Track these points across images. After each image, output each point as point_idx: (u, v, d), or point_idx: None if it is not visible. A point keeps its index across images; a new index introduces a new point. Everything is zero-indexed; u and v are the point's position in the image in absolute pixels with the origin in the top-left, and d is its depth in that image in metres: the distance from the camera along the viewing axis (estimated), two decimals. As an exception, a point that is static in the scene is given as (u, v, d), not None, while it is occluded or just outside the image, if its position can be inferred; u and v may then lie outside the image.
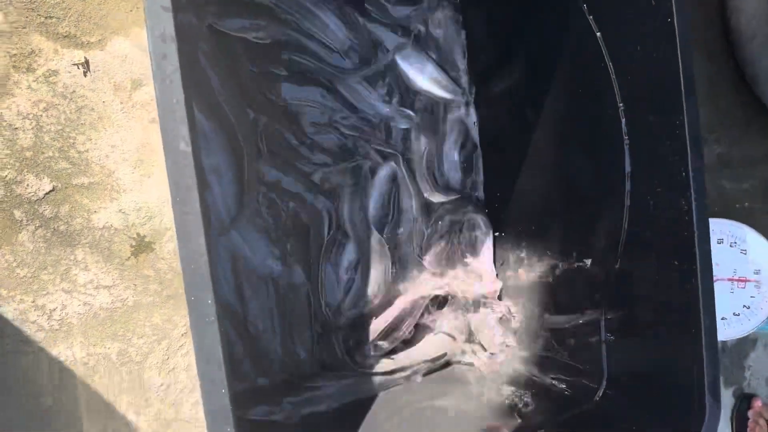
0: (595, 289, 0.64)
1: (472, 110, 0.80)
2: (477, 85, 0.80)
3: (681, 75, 0.52)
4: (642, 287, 0.60)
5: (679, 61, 0.52)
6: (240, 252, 0.66)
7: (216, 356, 0.39)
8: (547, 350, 0.72)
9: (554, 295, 0.71)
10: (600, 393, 0.64)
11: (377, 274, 0.75)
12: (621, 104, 0.58)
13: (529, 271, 0.74)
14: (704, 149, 0.99)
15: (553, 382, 0.69)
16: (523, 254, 0.76)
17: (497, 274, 0.81)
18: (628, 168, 0.59)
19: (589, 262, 0.65)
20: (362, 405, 0.69)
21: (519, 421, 0.65)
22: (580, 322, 0.67)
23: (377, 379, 0.71)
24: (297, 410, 0.66)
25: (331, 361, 0.70)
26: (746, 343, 1.03)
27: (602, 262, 0.63)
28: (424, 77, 0.75)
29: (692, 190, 0.53)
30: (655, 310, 0.58)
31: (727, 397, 1.02)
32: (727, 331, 0.86)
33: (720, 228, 0.87)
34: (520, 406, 0.67)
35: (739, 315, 0.87)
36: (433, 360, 0.76)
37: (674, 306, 0.56)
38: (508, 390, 0.70)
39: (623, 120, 0.58)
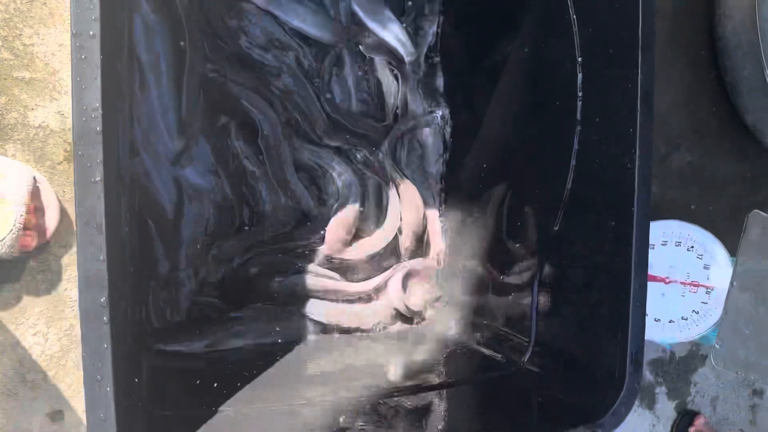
0: (532, 253, 0.62)
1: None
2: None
3: (640, 27, 0.50)
4: (577, 250, 0.58)
5: (640, 13, 0.50)
6: (185, 160, 0.64)
7: (97, 218, 0.37)
8: (478, 314, 0.69)
9: (492, 258, 0.69)
10: (526, 357, 0.62)
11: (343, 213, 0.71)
12: (579, 58, 0.56)
13: (470, 234, 0.72)
14: (675, 155, 0.97)
15: (480, 344, 0.67)
16: (466, 216, 0.73)
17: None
18: (578, 126, 0.57)
19: (530, 224, 0.63)
20: (284, 349, 0.67)
21: (439, 378, 0.63)
22: (515, 285, 0.64)
23: (307, 324, 0.69)
24: (216, 342, 0.64)
25: (259, 295, 0.67)
26: (696, 359, 1.01)
27: (543, 223, 0.61)
28: (387, 33, 0.73)
29: (637, 147, 0.51)
30: (586, 274, 0.56)
31: (669, 410, 1.00)
32: (673, 334, 0.84)
33: (678, 230, 0.86)
34: (443, 365, 0.65)
35: (687, 319, 0.85)
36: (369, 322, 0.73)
37: (606, 269, 0.54)
38: (433, 350, 0.68)
39: (580, 75, 0.57)
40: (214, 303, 0.65)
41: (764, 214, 0.78)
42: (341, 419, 0.54)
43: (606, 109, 0.54)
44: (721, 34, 0.93)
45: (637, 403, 0.97)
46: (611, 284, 0.53)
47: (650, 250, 0.87)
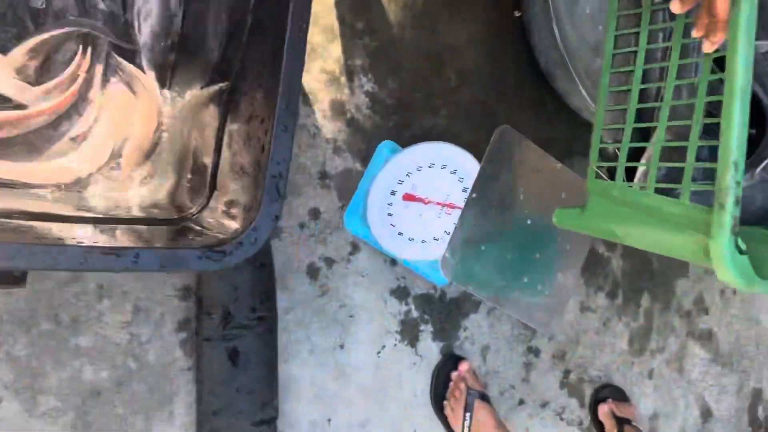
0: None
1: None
2: None
3: None
4: (252, 79, 0.53)
5: None
6: None
7: None
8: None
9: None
10: (200, 207, 0.56)
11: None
12: None
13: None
14: (466, 90, 0.95)
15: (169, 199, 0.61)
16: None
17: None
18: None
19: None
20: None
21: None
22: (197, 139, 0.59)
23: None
24: None
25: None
26: (469, 303, 0.98)
27: (233, 47, 0.56)
28: None
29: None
30: (254, 102, 0.52)
31: (434, 352, 0.97)
32: (424, 252, 0.81)
33: (445, 153, 0.83)
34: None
35: (438, 240, 0.82)
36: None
37: (266, 91, 0.50)
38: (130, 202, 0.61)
39: None
40: None
41: (513, 130, 0.76)
42: None
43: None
44: (521, -30, 0.92)
45: (398, 337, 0.93)
46: (264, 108, 0.49)
47: (417, 172, 0.85)
